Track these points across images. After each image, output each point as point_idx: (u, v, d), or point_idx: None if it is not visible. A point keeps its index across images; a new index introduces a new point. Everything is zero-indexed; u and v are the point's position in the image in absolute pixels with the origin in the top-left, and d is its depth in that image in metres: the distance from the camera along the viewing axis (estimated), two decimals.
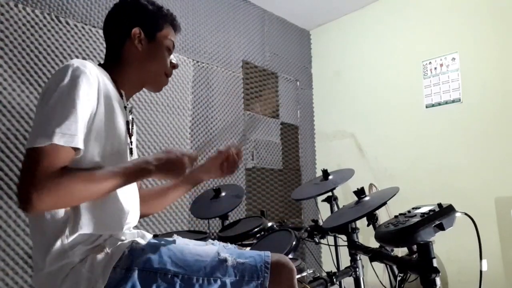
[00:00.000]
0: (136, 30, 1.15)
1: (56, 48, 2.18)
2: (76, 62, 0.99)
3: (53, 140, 0.87)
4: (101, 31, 2.39)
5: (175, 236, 1.15)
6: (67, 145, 0.89)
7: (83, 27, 2.32)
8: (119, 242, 1.00)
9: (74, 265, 0.94)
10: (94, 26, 2.37)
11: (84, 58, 2.27)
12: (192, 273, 0.97)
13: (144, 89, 1.26)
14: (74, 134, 0.90)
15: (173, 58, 1.25)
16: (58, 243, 0.93)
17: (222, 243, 1.18)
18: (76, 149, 0.92)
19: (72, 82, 0.94)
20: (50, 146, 0.87)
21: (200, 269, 0.98)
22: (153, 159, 1.02)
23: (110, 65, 1.15)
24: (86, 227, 0.96)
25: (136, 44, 1.15)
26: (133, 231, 1.09)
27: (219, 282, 0.97)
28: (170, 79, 1.27)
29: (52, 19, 2.19)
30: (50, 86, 0.95)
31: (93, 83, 0.98)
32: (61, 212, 0.95)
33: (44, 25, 2.16)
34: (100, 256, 0.95)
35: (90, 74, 0.98)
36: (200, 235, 1.95)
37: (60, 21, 2.23)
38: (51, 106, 0.91)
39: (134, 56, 1.16)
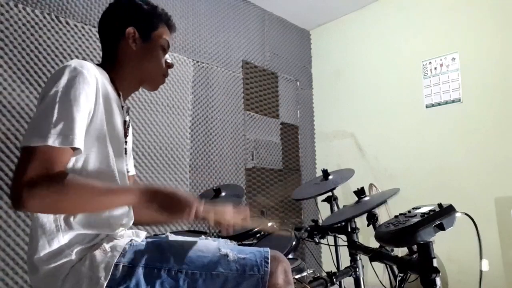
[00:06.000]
0: (130, 30, 1.15)
1: (56, 48, 2.18)
2: (74, 62, 0.99)
3: (48, 142, 0.87)
4: None
5: (168, 234, 1.17)
6: (64, 146, 0.89)
7: (83, 27, 2.32)
8: (117, 240, 1.01)
9: (74, 264, 0.94)
10: (94, 26, 2.37)
11: (84, 58, 2.28)
12: (195, 269, 0.98)
13: (144, 89, 1.27)
14: (69, 134, 0.90)
15: (168, 57, 1.24)
16: (55, 242, 0.94)
17: (220, 239, 1.19)
18: (75, 149, 0.92)
19: (69, 82, 0.94)
20: (44, 147, 0.87)
21: (203, 264, 0.99)
22: (164, 191, 0.98)
23: (107, 65, 1.16)
24: (81, 226, 0.97)
25: (130, 43, 1.15)
26: (127, 231, 1.09)
27: (221, 276, 0.98)
28: (169, 78, 1.28)
29: (52, 19, 2.19)
30: (48, 86, 0.95)
31: (91, 83, 0.98)
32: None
33: (44, 25, 2.16)
34: (99, 254, 0.95)
35: (88, 74, 0.98)
36: (200, 235, 1.94)
37: (60, 21, 2.23)
38: (48, 106, 0.91)
39: (129, 56, 1.16)
